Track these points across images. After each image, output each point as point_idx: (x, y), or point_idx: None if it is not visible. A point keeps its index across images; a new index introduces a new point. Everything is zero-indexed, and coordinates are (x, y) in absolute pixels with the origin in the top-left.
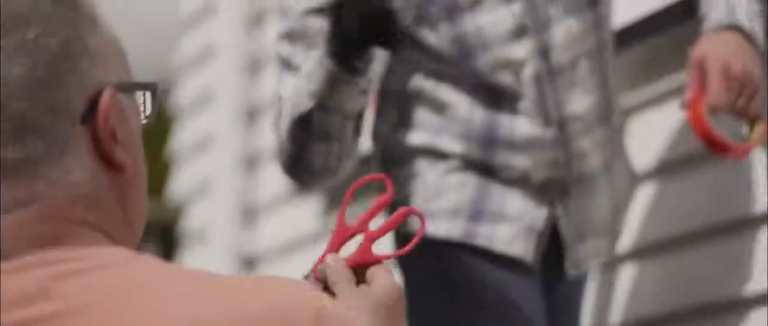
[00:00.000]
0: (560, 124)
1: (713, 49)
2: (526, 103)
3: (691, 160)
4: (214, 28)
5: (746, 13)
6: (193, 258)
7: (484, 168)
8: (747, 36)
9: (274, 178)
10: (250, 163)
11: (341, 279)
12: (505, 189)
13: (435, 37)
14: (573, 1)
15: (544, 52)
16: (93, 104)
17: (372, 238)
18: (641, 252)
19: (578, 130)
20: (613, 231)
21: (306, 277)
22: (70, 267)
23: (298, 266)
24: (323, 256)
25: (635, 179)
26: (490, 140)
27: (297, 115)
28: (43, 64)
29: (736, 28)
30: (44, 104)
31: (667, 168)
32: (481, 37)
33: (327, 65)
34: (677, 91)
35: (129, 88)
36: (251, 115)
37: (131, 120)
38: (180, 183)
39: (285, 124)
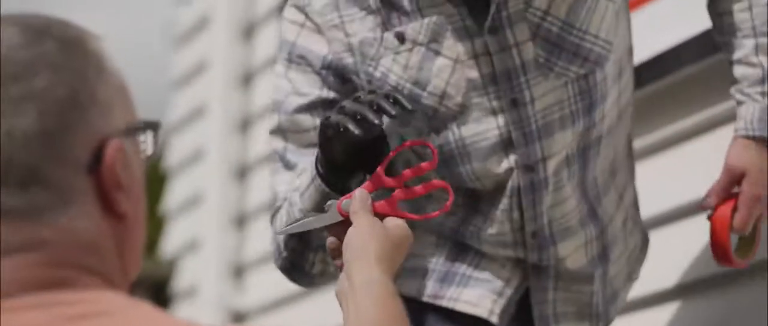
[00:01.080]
0: (535, 233)
1: (752, 169)
2: (500, 213)
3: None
4: (206, 86)
5: None
6: (184, 313)
7: (458, 240)
8: None
9: (262, 236)
10: (240, 221)
11: (362, 210)
12: (479, 256)
13: (419, 149)
14: (565, 117)
15: (529, 167)
16: (99, 154)
17: (402, 196)
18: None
19: (556, 236)
20: (605, 318)
21: (328, 207)
22: (73, 311)
23: (286, 322)
24: (351, 193)
25: (647, 244)
26: (460, 243)
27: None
28: (51, 114)
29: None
30: (51, 154)
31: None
32: (464, 149)
33: (318, 186)
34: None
35: (133, 130)
36: (241, 173)
37: (134, 163)
38: (172, 239)
39: (281, 230)
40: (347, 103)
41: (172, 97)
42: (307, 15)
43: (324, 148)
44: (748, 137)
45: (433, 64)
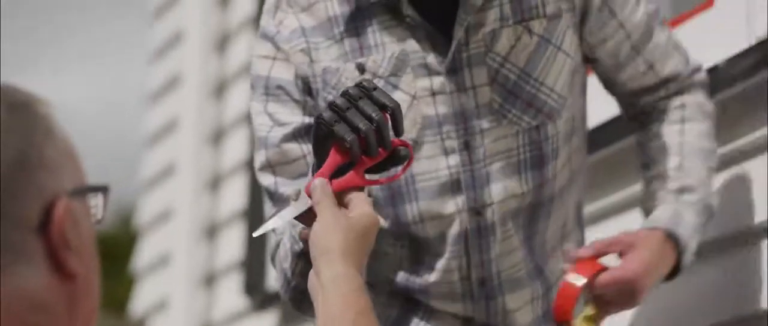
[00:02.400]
0: (482, 281)
1: (646, 253)
2: (446, 261)
3: None
4: (176, 144)
5: (692, 227)
6: None
7: (407, 297)
8: (679, 254)
9: (231, 295)
10: (209, 280)
11: (323, 200)
12: (428, 313)
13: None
14: (513, 165)
15: (475, 210)
16: (48, 214)
17: (368, 163)
18: None
19: (504, 286)
20: None
21: (298, 194)
22: None
23: None
24: (315, 176)
25: None
26: (409, 291)
27: (298, 251)
28: None
29: (674, 242)
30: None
31: None
32: (413, 186)
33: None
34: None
35: (83, 192)
36: (211, 232)
37: (84, 225)
38: (142, 299)
39: (286, 259)
40: (349, 111)
41: (144, 156)
42: (276, 45)
43: (317, 147)
44: (655, 228)
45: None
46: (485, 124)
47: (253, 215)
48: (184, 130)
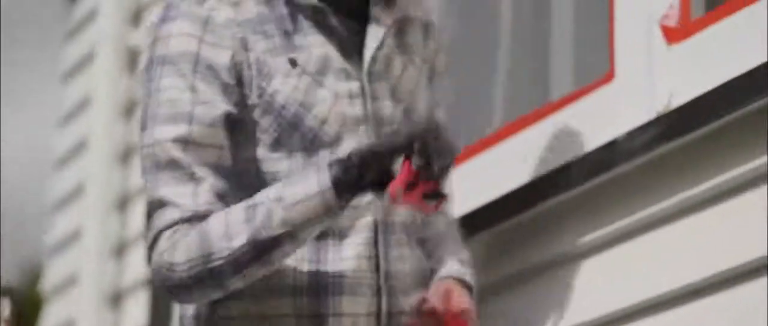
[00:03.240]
0: (388, 274)
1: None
2: (360, 247)
3: None
4: (82, 210)
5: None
6: None
7: (315, 322)
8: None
9: None
10: None
11: None
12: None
13: (287, 165)
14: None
15: (384, 207)
16: None
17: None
18: None
19: (399, 288)
20: None
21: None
22: None
23: None
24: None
25: None
26: (318, 283)
27: (257, 239)
28: None
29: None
30: None
31: None
32: None
33: (330, 199)
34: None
35: None
36: (116, 299)
37: None
38: None
39: (234, 238)
40: (438, 140)
41: (50, 221)
42: (205, 27)
43: (366, 165)
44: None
45: (318, 92)
46: (389, 131)
47: None
48: (90, 195)
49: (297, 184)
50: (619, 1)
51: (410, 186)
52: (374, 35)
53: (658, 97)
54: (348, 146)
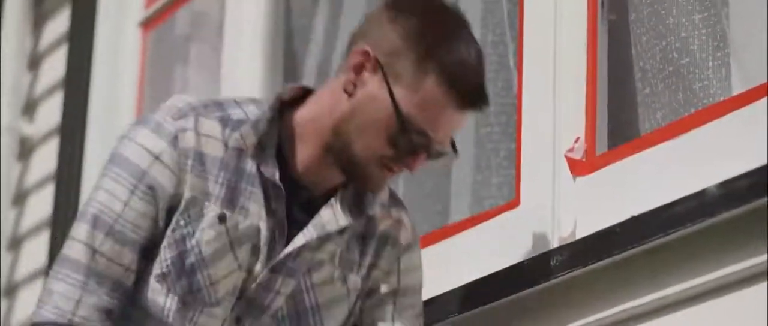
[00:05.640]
0: None
1: None
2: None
3: None
4: None
5: None
6: None
7: None
8: None
9: None
10: None
11: None
12: None
13: (163, 301)
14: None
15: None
16: None
17: None
18: None
19: None
20: None
21: None
22: None
23: None
24: None
25: None
26: None
27: None
28: None
29: None
30: None
31: None
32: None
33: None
34: None
35: None
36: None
37: None
38: None
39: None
40: None
41: None
42: (166, 147)
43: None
44: None
45: (225, 256)
46: (266, 319)
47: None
48: None
49: None
50: (526, 131)
51: None
52: (306, 234)
53: (564, 225)
54: (218, 314)
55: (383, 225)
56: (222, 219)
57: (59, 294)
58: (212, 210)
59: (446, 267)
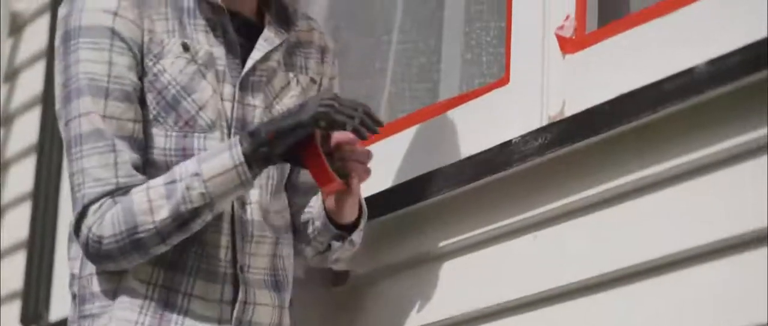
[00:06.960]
0: (242, 267)
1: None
2: (220, 237)
3: None
4: None
5: None
6: None
7: (163, 294)
8: None
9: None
10: None
11: None
12: (184, 315)
13: (163, 142)
14: (267, 185)
15: (241, 202)
16: None
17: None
18: None
19: (255, 281)
20: None
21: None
22: None
23: None
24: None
25: None
26: (177, 260)
27: (178, 212)
28: None
29: None
30: None
31: None
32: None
33: (243, 172)
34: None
35: None
36: None
37: None
38: None
39: (162, 210)
40: (341, 105)
41: None
42: (119, 4)
43: (299, 135)
44: None
45: (201, 81)
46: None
47: (34, 244)
48: None
49: (212, 159)
50: (516, 9)
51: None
52: (260, 49)
53: (551, 102)
54: (220, 136)
55: (314, 37)
56: (185, 47)
57: (93, 167)
58: (174, 43)
59: (436, 144)
